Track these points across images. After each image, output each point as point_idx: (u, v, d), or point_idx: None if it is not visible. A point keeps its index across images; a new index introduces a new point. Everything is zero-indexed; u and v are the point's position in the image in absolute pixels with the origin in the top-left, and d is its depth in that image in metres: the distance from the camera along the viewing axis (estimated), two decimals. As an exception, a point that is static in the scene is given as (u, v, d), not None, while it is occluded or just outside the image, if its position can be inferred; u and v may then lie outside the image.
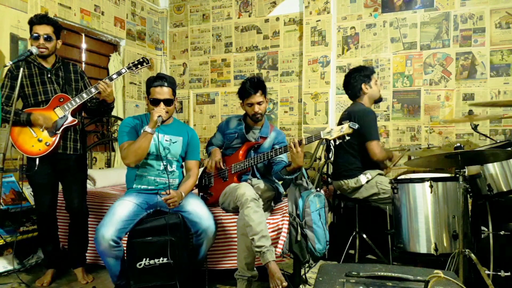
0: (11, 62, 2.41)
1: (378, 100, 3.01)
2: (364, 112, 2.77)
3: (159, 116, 2.23)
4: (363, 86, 2.88)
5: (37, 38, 2.47)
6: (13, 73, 2.48)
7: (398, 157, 2.95)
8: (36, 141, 2.44)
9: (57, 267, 2.70)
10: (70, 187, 2.65)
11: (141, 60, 2.59)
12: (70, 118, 2.49)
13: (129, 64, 2.59)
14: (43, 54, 2.51)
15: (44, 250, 2.73)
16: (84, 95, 2.50)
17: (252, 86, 2.57)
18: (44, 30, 2.48)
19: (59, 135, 2.46)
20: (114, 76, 2.55)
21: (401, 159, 3.75)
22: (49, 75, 2.55)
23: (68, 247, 2.73)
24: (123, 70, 2.55)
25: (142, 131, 2.27)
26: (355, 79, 2.90)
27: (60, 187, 2.72)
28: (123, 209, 2.21)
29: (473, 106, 2.91)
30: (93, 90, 2.49)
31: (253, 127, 2.73)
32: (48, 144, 2.45)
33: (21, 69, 2.35)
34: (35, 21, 2.48)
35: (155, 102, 2.34)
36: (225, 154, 2.76)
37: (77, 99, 2.49)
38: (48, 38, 2.49)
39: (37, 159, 2.44)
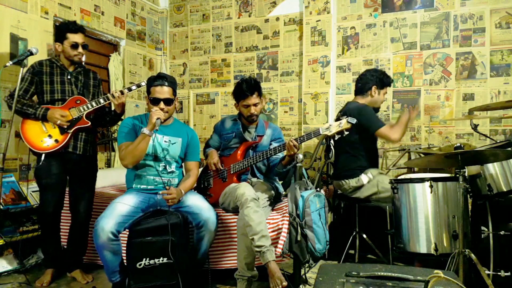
0: (11, 62, 2.42)
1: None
2: (360, 108, 2.77)
3: (157, 118, 2.23)
4: (373, 87, 2.87)
5: (76, 46, 2.57)
6: (35, 68, 2.56)
7: (411, 118, 2.75)
8: (46, 137, 2.48)
9: (57, 267, 2.70)
10: (78, 189, 2.67)
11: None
12: (83, 120, 2.54)
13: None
14: (80, 61, 2.63)
15: (44, 250, 2.73)
16: (101, 100, 2.56)
17: (248, 88, 2.57)
18: (81, 38, 2.59)
19: (70, 134, 2.51)
20: (133, 87, 2.63)
21: (401, 159, 3.76)
22: (69, 77, 2.62)
23: (68, 248, 2.73)
24: (143, 83, 2.60)
25: (140, 132, 2.26)
26: (372, 77, 2.89)
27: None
28: (123, 205, 2.22)
29: (473, 111, 2.90)
30: (110, 97, 2.56)
31: (248, 127, 2.73)
32: (57, 141, 2.48)
33: (23, 69, 2.37)
34: (72, 29, 2.56)
35: (155, 102, 2.34)
36: (223, 154, 2.76)
37: (93, 103, 2.55)
38: (85, 47, 2.61)
39: (43, 155, 2.47)
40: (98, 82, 2.77)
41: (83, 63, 2.72)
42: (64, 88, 2.58)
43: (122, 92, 2.56)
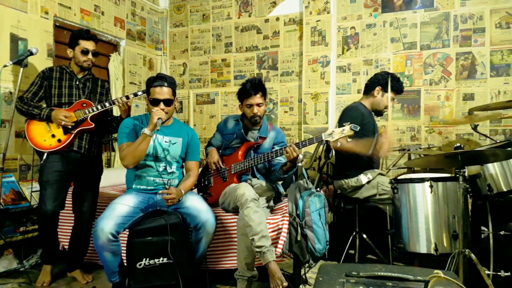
0: (11, 62, 2.44)
1: (379, 113, 2.97)
2: (352, 109, 2.78)
3: (159, 118, 2.23)
4: (378, 88, 2.85)
5: (86, 53, 2.63)
6: (46, 73, 2.61)
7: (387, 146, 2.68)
8: (50, 136, 2.52)
9: (54, 263, 2.68)
10: (81, 189, 2.68)
11: None
12: (87, 122, 2.57)
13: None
14: (89, 67, 2.69)
15: (42, 247, 2.72)
16: (107, 104, 2.59)
17: (252, 87, 2.57)
18: (92, 46, 2.66)
19: (73, 134, 2.53)
20: (139, 93, 2.64)
21: (401, 159, 3.75)
22: (77, 83, 2.67)
23: (69, 248, 2.73)
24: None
25: (141, 133, 2.27)
26: (381, 77, 2.85)
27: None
28: (123, 206, 2.22)
29: (473, 111, 2.90)
30: (115, 101, 2.59)
31: (251, 128, 2.73)
32: (60, 141, 2.51)
33: (23, 69, 2.39)
34: (85, 36, 2.63)
35: (155, 102, 2.34)
36: (224, 154, 2.76)
37: (99, 107, 2.59)
38: (95, 54, 2.67)
39: (45, 154, 2.51)
40: (106, 91, 2.80)
41: (90, 70, 2.76)
42: (71, 92, 2.63)
43: (127, 97, 2.59)
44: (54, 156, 2.53)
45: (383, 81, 2.84)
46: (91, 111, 2.57)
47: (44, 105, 2.60)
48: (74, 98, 2.62)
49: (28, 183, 3.09)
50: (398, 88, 2.86)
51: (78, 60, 2.64)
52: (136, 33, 4.58)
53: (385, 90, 2.84)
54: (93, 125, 2.58)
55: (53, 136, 2.52)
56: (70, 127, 2.52)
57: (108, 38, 4.23)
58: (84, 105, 2.59)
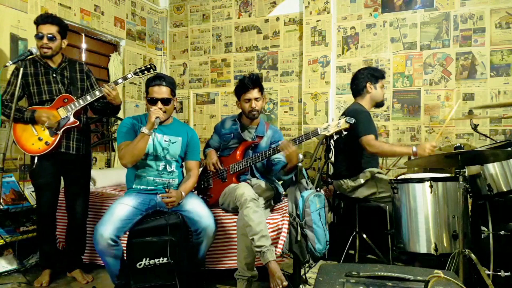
0: (11, 62, 2.42)
1: (380, 104, 2.99)
2: (357, 111, 2.76)
3: (156, 117, 2.23)
4: (368, 84, 2.86)
5: (40, 37, 2.49)
6: (19, 71, 2.49)
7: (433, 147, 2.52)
8: (37, 140, 2.47)
9: (53, 267, 2.68)
10: (73, 189, 2.67)
11: (148, 66, 2.64)
12: (71, 119, 2.52)
13: (135, 69, 2.64)
14: (47, 55, 2.53)
15: (41, 250, 2.72)
16: (88, 97, 2.54)
17: (250, 82, 2.59)
18: (48, 29, 2.49)
19: (59, 135, 2.49)
20: (120, 81, 2.60)
21: (401, 159, 3.75)
22: (54, 75, 2.57)
23: (67, 248, 2.73)
24: (129, 75, 2.60)
25: (139, 131, 2.27)
26: (363, 75, 2.88)
27: (62, 185, 2.71)
28: (122, 209, 2.21)
29: (473, 109, 2.90)
30: (97, 93, 2.54)
31: (248, 127, 2.73)
32: (48, 143, 2.47)
33: (21, 69, 2.37)
34: (39, 20, 2.50)
35: (152, 101, 2.34)
36: (222, 155, 2.76)
37: (80, 101, 2.53)
38: (51, 38, 2.50)
39: (36, 158, 2.48)
40: (87, 75, 2.69)
41: (64, 56, 2.65)
42: (50, 88, 2.55)
43: (116, 83, 2.56)
44: (44, 159, 2.50)
45: (367, 76, 2.87)
46: (73, 107, 2.51)
47: (25, 107, 2.53)
48: (55, 94, 2.53)
49: (28, 183, 3.09)
50: (382, 74, 2.94)
51: (38, 48, 2.48)
52: (136, 33, 4.58)
53: (374, 82, 2.88)
54: (78, 122, 2.54)
55: (40, 139, 2.47)
56: (54, 128, 2.47)
57: (108, 38, 4.23)
58: (66, 100, 2.52)
